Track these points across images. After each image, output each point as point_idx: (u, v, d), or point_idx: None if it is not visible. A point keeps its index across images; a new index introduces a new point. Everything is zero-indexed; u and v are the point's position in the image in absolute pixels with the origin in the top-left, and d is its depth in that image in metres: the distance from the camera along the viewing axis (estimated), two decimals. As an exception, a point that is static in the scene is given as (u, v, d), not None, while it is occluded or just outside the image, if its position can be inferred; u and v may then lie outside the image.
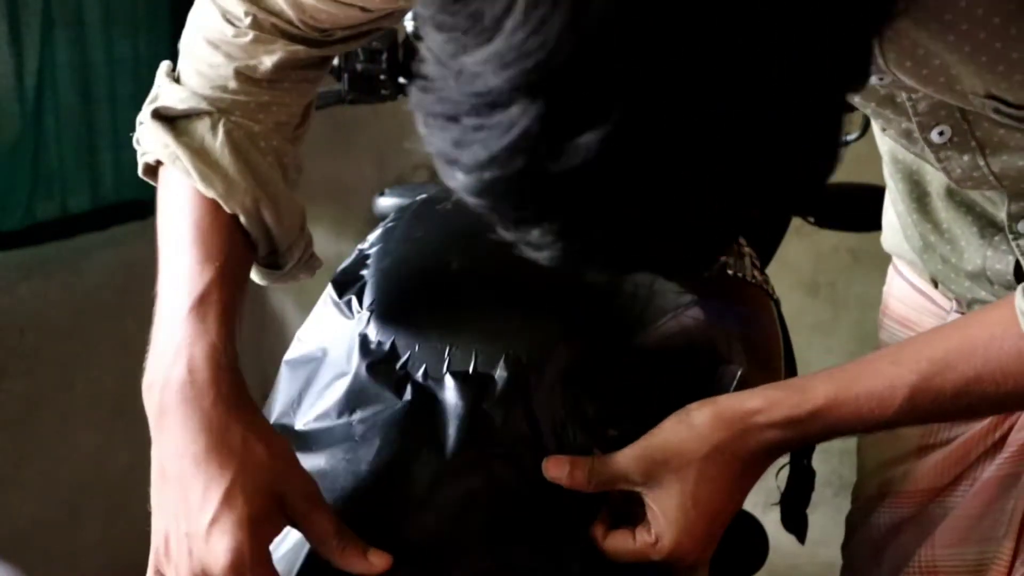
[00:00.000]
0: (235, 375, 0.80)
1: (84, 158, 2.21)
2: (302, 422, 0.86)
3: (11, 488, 2.16)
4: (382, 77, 1.31)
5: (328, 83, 1.33)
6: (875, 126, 0.89)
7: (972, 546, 0.91)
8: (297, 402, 0.88)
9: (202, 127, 0.86)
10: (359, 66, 1.30)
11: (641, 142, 0.48)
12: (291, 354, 0.92)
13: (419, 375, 0.84)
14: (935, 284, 0.99)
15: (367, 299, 0.91)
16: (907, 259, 1.01)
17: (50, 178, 2.15)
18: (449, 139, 0.53)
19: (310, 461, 0.83)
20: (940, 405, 0.77)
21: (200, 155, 0.85)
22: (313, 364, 0.90)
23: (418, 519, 0.80)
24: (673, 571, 0.83)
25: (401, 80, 1.34)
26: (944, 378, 0.76)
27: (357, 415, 0.84)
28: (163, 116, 0.87)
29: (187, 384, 0.78)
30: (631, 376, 0.88)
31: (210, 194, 0.84)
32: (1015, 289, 0.76)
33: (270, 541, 0.76)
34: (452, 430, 0.82)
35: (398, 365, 0.85)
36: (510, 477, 0.82)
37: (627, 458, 0.81)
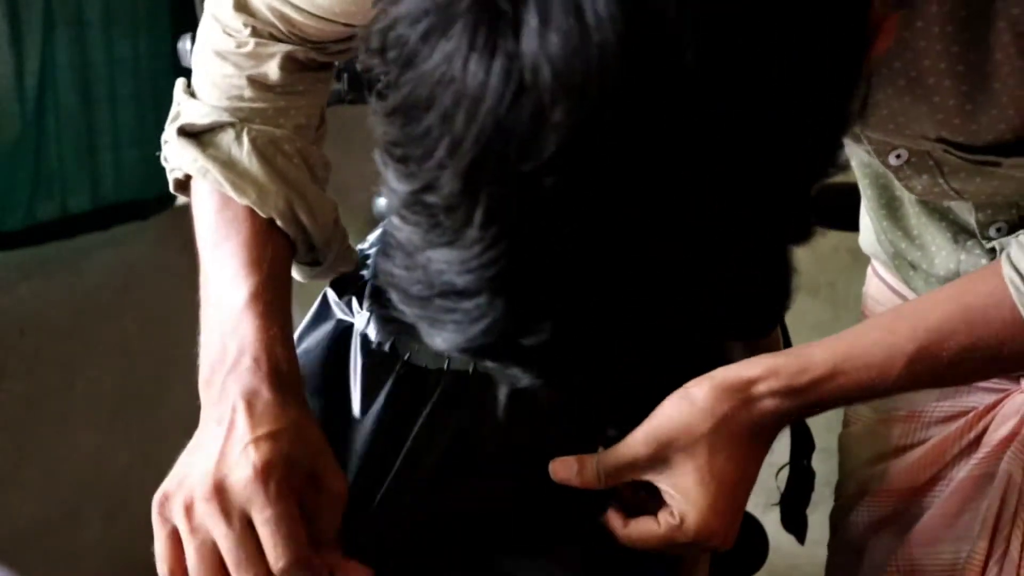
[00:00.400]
0: (294, 366, 0.81)
1: (84, 158, 2.21)
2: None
3: (11, 488, 2.16)
4: (382, 77, 1.30)
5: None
6: None
7: (948, 545, 0.91)
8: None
9: (227, 138, 0.88)
10: (359, 66, 1.30)
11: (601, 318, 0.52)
12: (291, 354, 0.92)
13: (419, 375, 0.84)
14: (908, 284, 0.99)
15: (367, 299, 0.91)
16: (881, 260, 1.01)
17: (50, 178, 2.15)
18: (424, 317, 0.55)
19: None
20: (937, 372, 0.78)
21: (229, 166, 0.87)
22: (314, 364, 0.90)
23: (418, 519, 0.80)
24: (685, 562, 0.83)
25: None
26: (941, 347, 0.76)
27: (357, 415, 0.84)
28: (188, 132, 0.89)
29: (254, 369, 0.79)
30: (631, 377, 0.88)
31: (244, 202, 0.86)
32: None
33: (296, 498, 0.75)
34: (451, 430, 0.82)
35: (398, 365, 0.85)
36: (511, 478, 0.82)
37: (633, 445, 0.81)
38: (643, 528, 0.82)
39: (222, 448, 0.77)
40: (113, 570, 2.41)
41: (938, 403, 0.98)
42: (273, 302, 0.82)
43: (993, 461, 0.92)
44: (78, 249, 2.26)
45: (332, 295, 0.93)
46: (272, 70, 0.89)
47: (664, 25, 0.46)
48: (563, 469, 0.82)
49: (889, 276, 1.03)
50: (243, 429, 0.76)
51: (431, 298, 0.54)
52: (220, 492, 0.75)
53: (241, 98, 0.89)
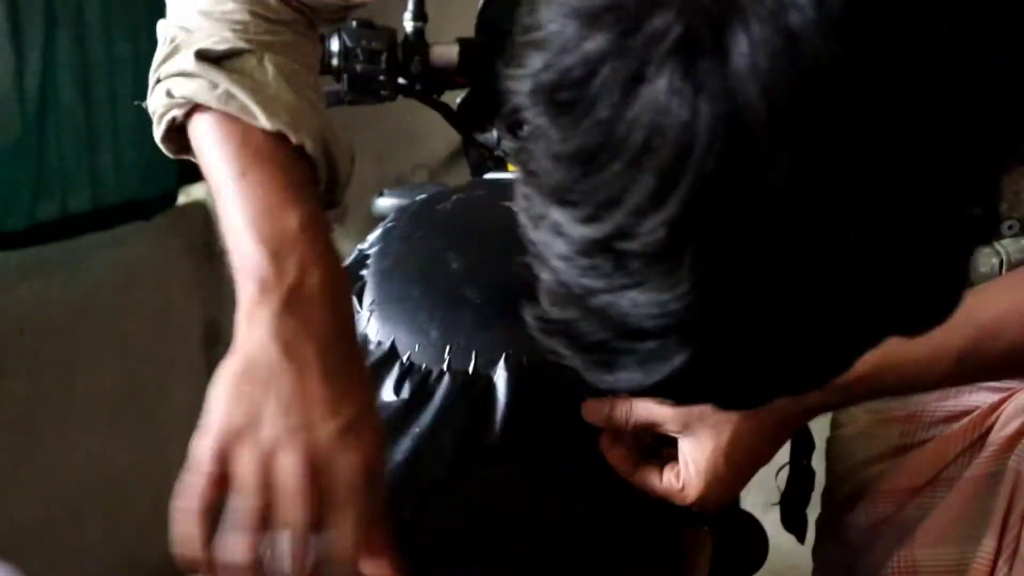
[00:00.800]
0: (351, 307, 0.77)
1: (85, 158, 2.21)
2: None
3: (12, 488, 2.16)
4: (382, 78, 1.30)
5: (328, 83, 1.33)
6: None
7: (953, 545, 0.91)
8: None
9: (249, 63, 0.82)
10: (359, 67, 1.30)
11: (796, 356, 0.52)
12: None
13: (418, 375, 0.84)
14: None
15: (367, 299, 0.91)
16: None
17: (51, 178, 2.15)
18: (595, 361, 0.53)
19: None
20: (986, 368, 0.77)
21: (256, 90, 0.80)
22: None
23: (418, 520, 0.80)
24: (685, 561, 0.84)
25: (401, 80, 1.34)
26: (993, 342, 0.75)
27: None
28: (207, 57, 0.82)
29: (329, 288, 0.73)
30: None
31: (276, 126, 0.79)
32: None
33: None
34: (451, 430, 0.82)
35: (397, 364, 0.85)
36: (511, 477, 0.82)
37: (666, 407, 0.82)
38: (645, 477, 0.84)
39: (301, 400, 0.70)
40: (113, 570, 2.41)
41: (939, 403, 0.97)
42: (325, 233, 0.76)
43: (999, 459, 0.92)
44: (79, 249, 2.26)
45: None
46: (271, 2, 0.83)
47: (882, 48, 0.44)
48: (593, 410, 0.83)
49: None
50: (325, 391, 0.70)
51: (606, 341, 0.52)
52: (315, 469, 0.69)
53: (246, 31, 0.82)
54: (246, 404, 0.73)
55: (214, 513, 0.72)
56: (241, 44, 0.82)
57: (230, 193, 0.77)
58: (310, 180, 0.80)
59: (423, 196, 1.09)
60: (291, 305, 0.73)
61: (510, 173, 1.29)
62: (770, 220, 0.46)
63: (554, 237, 0.51)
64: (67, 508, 2.30)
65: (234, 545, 0.72)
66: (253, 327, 0.75)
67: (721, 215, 0.46)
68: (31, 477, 2.21)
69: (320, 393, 0.70)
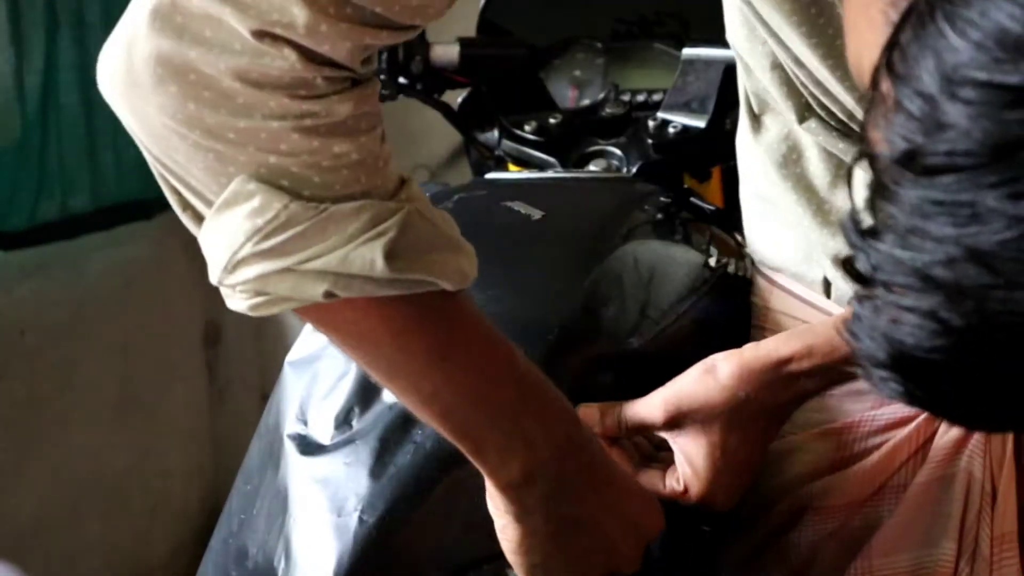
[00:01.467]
0: None
1: (86, 158, 2.22)
2: (311, 428, 0.86)
3: (11, 488, 2.16)
4: (383, 77, 1.30)
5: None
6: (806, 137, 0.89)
7: (911, 551, 0.90)
8: (304, 406, 0.88)
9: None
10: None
11: None
12: (293, 355, 0.92)
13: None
14: (827, 294, 0.97)
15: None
16: (791, 272, 0.98)
17: (52, 179, 2.15)
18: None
19: (311, 468, 0.83)
20: None
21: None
22: (315, 365, 0.90)
23: (419, 520, 0.80)
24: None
25: (401, 80, 1.34)
26: None
27: (357, 416, 0.84)
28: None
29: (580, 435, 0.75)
30: (632, 377, 0.88)
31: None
32: None
33: None
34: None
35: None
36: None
37: (653, 404, 0.82)
38: (646, 480, 0.84)
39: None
40: (113, 570, 2.41)
41: (877, 411, 0.96)
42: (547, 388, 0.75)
43: (949, 463, 0.91)
44: (79, 249, 2.27)
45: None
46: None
47: None
48: (587, 415, 0.83)
49: (800, 288, 0.99)
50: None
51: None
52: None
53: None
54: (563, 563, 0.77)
55: None
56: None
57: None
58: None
59: (423, 196, 1.09)
60: (557, 462, 0.73)
61: (511, 173, 1.29)
62: None
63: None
64: (67, 508, 2.30)
65: None
66: (525, 497, 0.74)
67: None
68: (31, 477, 2.21)
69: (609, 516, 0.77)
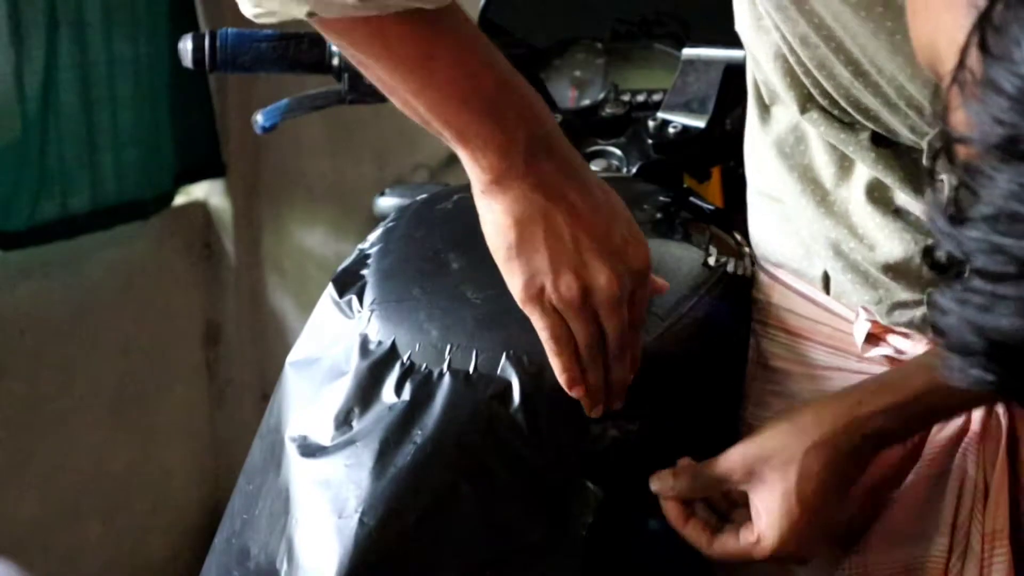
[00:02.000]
0: None
1: (85, 158, 2.22)
2: (311, 429, 0.86)
3: (11, 488, 2.16)
4: (382, 77, 1.30)
5: (328, 83, 1.33)
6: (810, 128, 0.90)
7: (904, 547, 0.91)
8: (304, 407, 0.88)
9: None
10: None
11: None
12: (294, 355, 0.92)
13: (419, 375, 0.84)
14: (826, 290, 0.97)
15: (368, 298, 0.91)
16: (791, 268, 0.98)
17: (51, 178, 2.15)
18: None
19: (312, 470, 0.83)
20: None
21: None
22: (315, 365, 0.90)
23: (420, 521, 0.80)
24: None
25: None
26: None
27: (357, 416, 0.84)
28: None
29: (552, 127, 0.79)
30: (636, 376, 0.88)
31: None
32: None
33: None
34: (453, 430, 0.82)
35: (398, 364, 0.85)
36: (512, 477, 0.82)
37: (731, 459, 0.82)
38: (724, 545, 0.83)
39: (584, 233, 0.79)
40: (113, 569, 2.42)
41: None
42: (521, 82, 0.80)
43: (943, 460, 0.92)
44: (79, 249, 2.27)
45: (333, 294, 0.93)
46: None
47: None
48: (658, 482, 0.83)
49: (802, 285, 0.98)
50: (596, 217, 0.79)
51: None
52: (617, 277, 0.79)
53: None
54: (539, 249, 0.79)
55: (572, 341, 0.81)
56: None
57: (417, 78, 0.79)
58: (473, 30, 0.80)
59: (423, 196, 1.09)
60: (533, 156, 0.78)
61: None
62: None
63: None
64: (67, 508, 2.30)
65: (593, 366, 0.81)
66: (507, 188, 0.80)
67: None
68: (31, 477, 2.21)
69: (592, 221, 0.78)
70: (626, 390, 0.83)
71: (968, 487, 0.90)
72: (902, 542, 0.91)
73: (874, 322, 0.90)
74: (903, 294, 0.89)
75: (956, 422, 0.91)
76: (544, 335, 0.80)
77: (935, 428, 0.92)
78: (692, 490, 0.83)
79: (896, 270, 0.89)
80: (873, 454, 0.83)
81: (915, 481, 0.92)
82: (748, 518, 0.83)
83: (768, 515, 0.81)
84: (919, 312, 0.88)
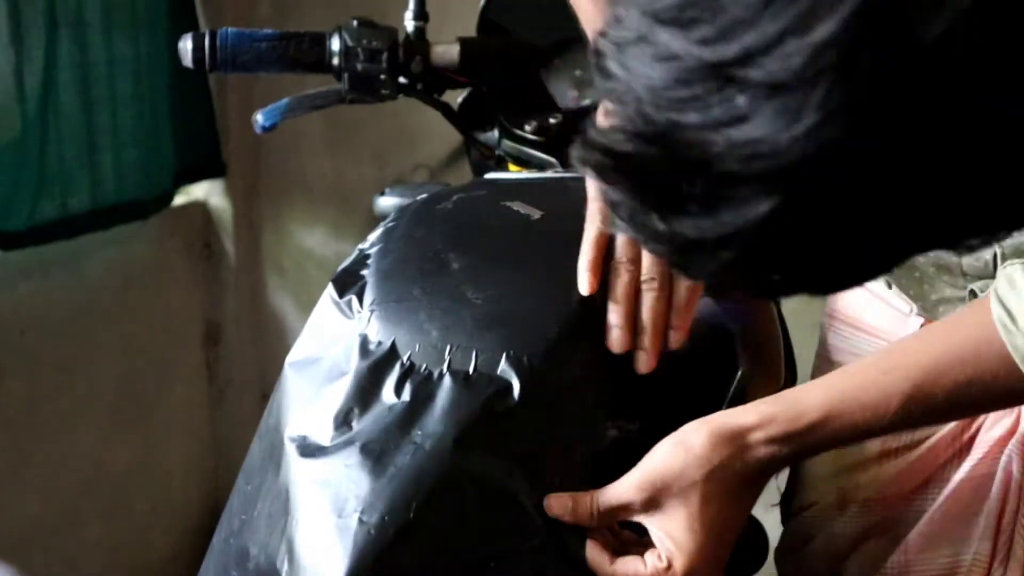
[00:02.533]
0: None
1: (85, 158, 2.22)
2: (311, 429, 0.86)
3: (11, 488, 2.16)
4: (382, 77, 1.30)
5: (328, 83, 1.33)
6: None
7: (945, 549, 0.91)
8: (304, 407, 0.88)
9: None
10: (359, 66, 1.30)
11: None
12: (294, 356, 0.92)
13: (419, 375, 0.84)
14: (888, 285, 0.98)
15: (367, 299, 0.90)
16: None
17: (51, 178, 2.15)
18: (657, 205, 0.48)
19: (312, 470, 0.83)
20: (933, 410, 0.78)
21: None
22: (315, 365, 0.89)
23: (419, 521, 0.80)
24: None
25: (402, 80, 1.34)
26: (936, 385, 0.76)
27: (357, 416, 0.84)
28: None
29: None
30: (633, 377, 0.88)
31: None
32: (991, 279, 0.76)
33: None
34: (453, 431, 0.82)
35: (398, 365, 0.85)
36: (512, 477, 0.82)
37: (628, 487, 0.81)
38: (629, 567, 0.81)
39: None
40: (113, 570, 2.41)
41: None
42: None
43: (991, 461, 0.92)
44: (78, 249, 2.27)
45: (333, 294, 0.93)
46: None
47: None
48: (558, 505, 0.81)
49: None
50: None
51: (680, 182, 0.47)
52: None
53: None
54: None
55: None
56: None
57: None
58: None
59: (423, 196, 1.09)
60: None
61: (511, 173, 1.29)
62: (930, 58, 0.42)
63: (651, 63, 0.46)
64: (67, 508, 2.30)
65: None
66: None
67: (876, 43, 0.42)
68: (31, 477, 2.21)
69: None
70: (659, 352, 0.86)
71: (1013, 490, 0.90)
72: (945, 543, 0.91)
73: (925, 318, 0.91)
74: (947, 290, 0.90)
75: (1004, 423, 0.91)
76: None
77: (985, 426, 0.92)
78: (592, 518, 0.81)
79: (941, 265, 0.89)
80: (768, 476, 0.83)
81: (960, 482, 0.92)
82: (653, 544, 0.81)
83: (674, 540, 0.80)
84: (960, 309, 0.89)
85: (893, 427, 0.78)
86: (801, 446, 0.80)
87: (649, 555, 0.81)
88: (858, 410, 0.78)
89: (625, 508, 0.81)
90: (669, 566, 0.80)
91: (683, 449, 0.80)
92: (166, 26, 2.36)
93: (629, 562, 0.81)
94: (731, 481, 0.80)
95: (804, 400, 0.80)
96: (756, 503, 0.84)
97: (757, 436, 0.79)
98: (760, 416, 0.80)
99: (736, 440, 0.80)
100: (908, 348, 0.80)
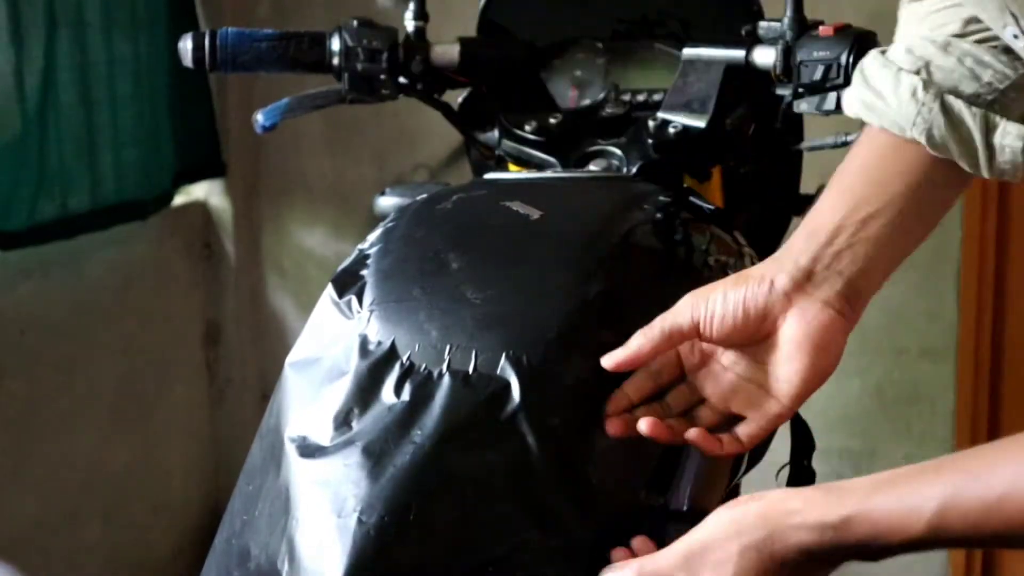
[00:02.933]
0: None
1: (84, 158, 2.22)
2: (311, 430, 0.86)
3: (11, 488, 2.16)
4: (382, 77, 1.30)
5: (328, 83, 1.33)
6: None
7: None
8: (304, 407, 0.88)
9: None
10: (359, 66, 1.30)
11: None
12: (294, 356, 0.92)
13: (419, 375, 0.84)
14: None
15: (367, 299, 0.91)
16: None
17: (51, 178, 2.15)
18: None
19: (312, 470, 0.83)
20: (971, 524, 0.73)
21: None
22: (315, 366, 0.90)
23: (419, 521, 0.80)
24: None
25: (402, 80, 1.34)
26: (971, 493, 0.72)
27: (356, 417, 0.84)
28: None
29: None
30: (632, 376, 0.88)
31: None
32: None
33: None
34: (452, 430, 0.82)
35: (398, 365, 0.85)
36: (511, 477, 0.82)
37: (674, 555, 0.80)
38: None
39: None
40: (113, 570, 2.41)
41: None
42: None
43: None
44: (78, 249, 2.27)
45: (333, 294, 0.93)
46: None
47: None
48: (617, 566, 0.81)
49: None
50: None
51: None
52: None
53: None
54: None
55: None
56: None
57: None
58: None
59: (423, 196, 1.09)
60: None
61: (511, 173, 1.29)
62: None
63: None
64: (66, 508, 2.30)
65: None
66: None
67: None
68: (31, 477, 2.21)
69: None
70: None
71: None
72: None
73: None
74: None
75: None
76: None
77: None
78: None
79: None
80: (811, 569, 0.79)
81: None
82: None
83: None
84: None
85: (928, 538, 0.74)
86: (839, 539, 0.76)
87: None
88: (895, 509, 0.74)
89: (667, 574, 0.80)
90: None
91: (730, 519, 0.79)
92: (166, 26, 2.36)
93: None
94: (766, 562, 0.78)
95: (848, 490, 0.77)
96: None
97: (795, 520, 0.77)
98: (804, 500, 0.78)
99: (776, 520, 0.78)
100: (961, 454, 0.76)
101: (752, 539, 0.78)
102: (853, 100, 0.93)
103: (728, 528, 0.79)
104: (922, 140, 0.89)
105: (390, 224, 1.01)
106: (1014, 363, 2.35)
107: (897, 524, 0.74)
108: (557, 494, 0.83)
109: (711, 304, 0.87)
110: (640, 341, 0.86)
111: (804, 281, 0.87)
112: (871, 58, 0.94)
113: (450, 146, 2.33)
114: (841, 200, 0.90)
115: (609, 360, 0.86)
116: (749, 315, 0.86)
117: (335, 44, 1.29)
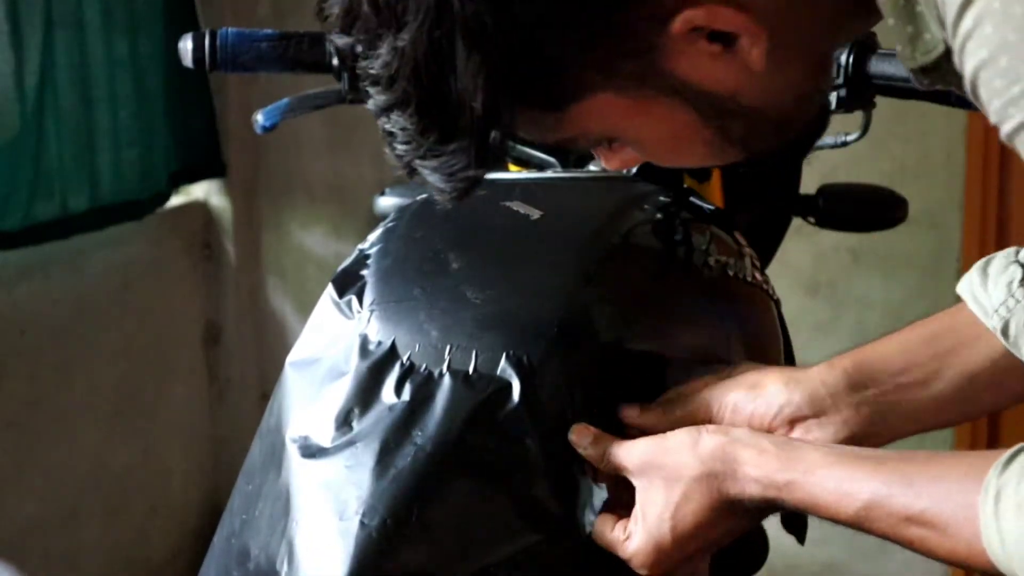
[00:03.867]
0: None
1: (83, 158, 2.22)
2: (311, 430, 0.86)
3: (11, 488, 2.16)
4: (382, 77, 1.30)
5: (328, 83, 1.32)
6: None
7: None
8: (304, 408, 0.88)
9: None
10: (359, 66, 1.30)
11: None
12: (294, 356, 0.92)
13: (419, 375, 0.84)
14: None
15: (367, 299, 0.91)
16: None
17: (49, 178, 2.15)
18: None
19: (313, 471, 0.83)
20: (890, 526, 0.74)
21: None
22: (315, 366, 0.90)
23: (420, 522, 0.80)
24: None
25: (401, 80, 1.33)
26: (899, 499, 0.73)
27: (357, 417, 0.84)
28: None
29: None
30: (632, 376, 0.88)
31: None
32: None
33: None
34: (453, 431, 0.82)
35: (398, 365, 0.85)
36: (512, 477, 0.82)
37: (633, 451, 0.82)
38: (599, 525, 0.83)
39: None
40: (113, 570, 2.42)
41: None
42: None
43: None
44: (77, 249, 2.27)
45: (333, 294, 0.93)
46: None
47: None
48: (580, 434, 0.83)
49: None
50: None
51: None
52: None
53: None
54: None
55: None
56: None
57: None
58: None
59: (423, 196, 1.09)
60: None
61: (511, 173, 1.29)
62: None
63: None
64: (66, 508, 2.30)
65: None
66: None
67: None
68: (31, 477, 2.21)
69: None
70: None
71: None
72: None
73: None
74: None
75: None
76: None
77: None
78: (601, 461, 0.83)
79: None
80: (748, 518, 0.81)
81: None
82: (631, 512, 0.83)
83: (644, 517, 0.81)
84: None
85: (855, 524, 0.76)
86: (779, 498, 0.78)
87: (620, 522, 0.82)
88: (832, 487, 0.76)
89: (624, 468, 0.83)
90: (628, 539, 0.82)
91: (693, 443, 0.81)
92: (165, 26, 2.36)
93: (608, 519, 0.83)
94: (715, 495, 0.80)
95: (800, 457, 0.78)
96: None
97: (747, 469, 0.79)
98: (759, 451, 0.79)
99: (732, 462, 0.79)
100: (909, 454, 0.77)
101: (708, 469, 0.80)
102: (965, 280, 0.89)
103: (689, 452, 0.81)
104: (996, 330, 0.85)
105: (390, 224, 1.01)
106: (1014, 363, 2.35)
107: (831, 503, 0.76)
108: (557, 495, 0.83)
109: (727, 409, 0.87)
110: (653, 422, 0.86)
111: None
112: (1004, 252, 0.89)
113: (450, 146, 2.32)
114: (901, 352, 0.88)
115: (623, 418, 0.87)
116: (764, 424, 0.86)
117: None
